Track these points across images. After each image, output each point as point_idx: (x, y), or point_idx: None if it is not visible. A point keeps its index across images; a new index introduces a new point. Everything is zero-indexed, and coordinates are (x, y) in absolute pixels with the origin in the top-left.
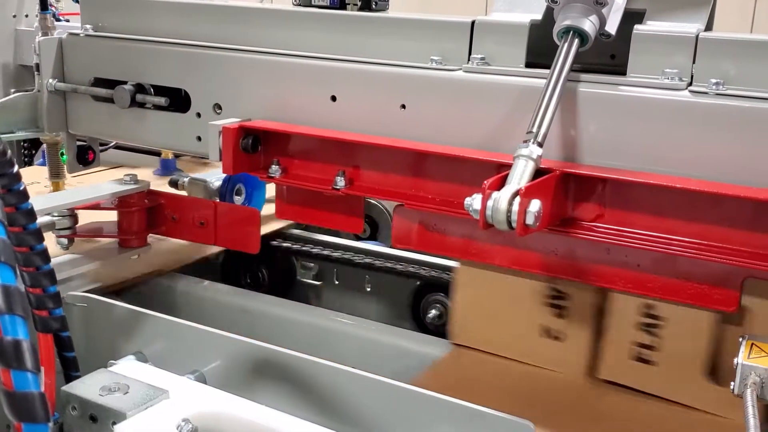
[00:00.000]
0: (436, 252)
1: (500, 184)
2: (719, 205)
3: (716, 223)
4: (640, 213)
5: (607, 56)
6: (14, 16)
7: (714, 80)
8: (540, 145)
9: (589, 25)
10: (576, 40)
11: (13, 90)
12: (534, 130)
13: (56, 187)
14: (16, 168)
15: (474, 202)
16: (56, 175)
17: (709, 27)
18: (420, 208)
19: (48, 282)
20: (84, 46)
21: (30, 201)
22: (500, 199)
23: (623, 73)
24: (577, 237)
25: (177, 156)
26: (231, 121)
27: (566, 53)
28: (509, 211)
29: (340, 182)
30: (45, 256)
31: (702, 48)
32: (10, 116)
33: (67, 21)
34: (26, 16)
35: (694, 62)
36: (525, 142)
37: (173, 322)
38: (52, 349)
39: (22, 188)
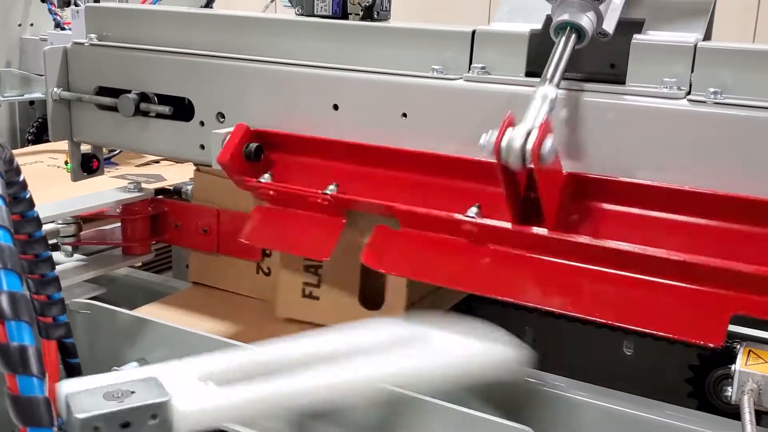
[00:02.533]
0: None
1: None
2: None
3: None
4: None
5: (607, 65)
6: (19, 25)
7: (712, 89)
8: (557, 86)
9: (586, 21)
10: (573, 36)
11: None
12: (548, 75)
13: None
14: (22, 176)
15: (490, 136)
16: None
17: (707, 36)
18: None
19: (53, 289)
20: (88, 55)
21: (36, 209)
22: (515, 134)
23: (623, 83)
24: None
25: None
26: (233, 129)
27: (563, 48)
28: (524, 147)
29: (332, 190)
30: (50, 263)
31: (700, 57)
32: None
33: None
34: (31, 24)
35: (692, 72)
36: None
37: (176, 329)
38: (56, 355)
39: (28, 196)
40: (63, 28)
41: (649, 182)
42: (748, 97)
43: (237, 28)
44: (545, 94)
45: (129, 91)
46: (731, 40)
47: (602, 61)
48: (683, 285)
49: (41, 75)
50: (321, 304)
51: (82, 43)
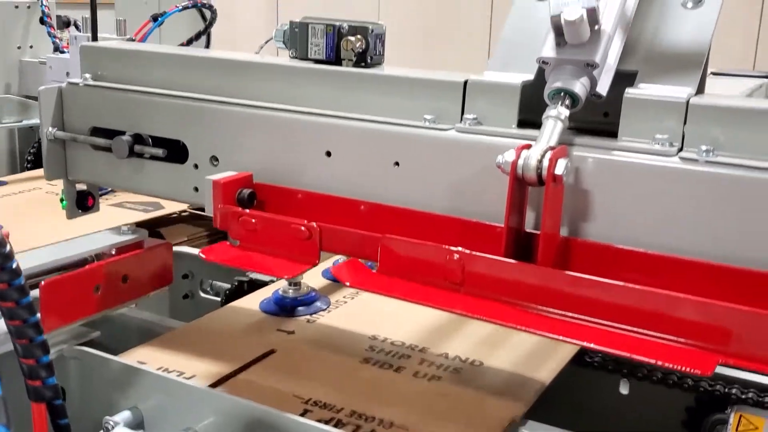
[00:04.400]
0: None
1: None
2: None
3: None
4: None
5: (600, 114)
6: (19, 48)
7: (704, 147)
8: (568, 107)
9: (579, 87)
10: (567, 102)
11: None
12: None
13: None
14: (8, 247)
15: (507, 155)
16: None
17: (700, 89)
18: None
19: (41, 352)
20: (83, 95)
21: (22, 277)
22: (531, 155)
23: (616, 132)
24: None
25: None
26: (225, 175)
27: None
28: (539, 167)
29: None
30: (37, 328)
31: (692, 114)
32: None
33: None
34: (31, 47)
35: (684, 127)
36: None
37: (167, 379)
38: (45, 417)
39: (14, 266)
40: (62, 52)
41: (630, 248)
42: (741, 155)
43: (230, 72)
44: (558, 114)
45: (123, 133)
46: (735, 44)
47: (595, 109)
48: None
49: None
50: None
51: (77, 83)
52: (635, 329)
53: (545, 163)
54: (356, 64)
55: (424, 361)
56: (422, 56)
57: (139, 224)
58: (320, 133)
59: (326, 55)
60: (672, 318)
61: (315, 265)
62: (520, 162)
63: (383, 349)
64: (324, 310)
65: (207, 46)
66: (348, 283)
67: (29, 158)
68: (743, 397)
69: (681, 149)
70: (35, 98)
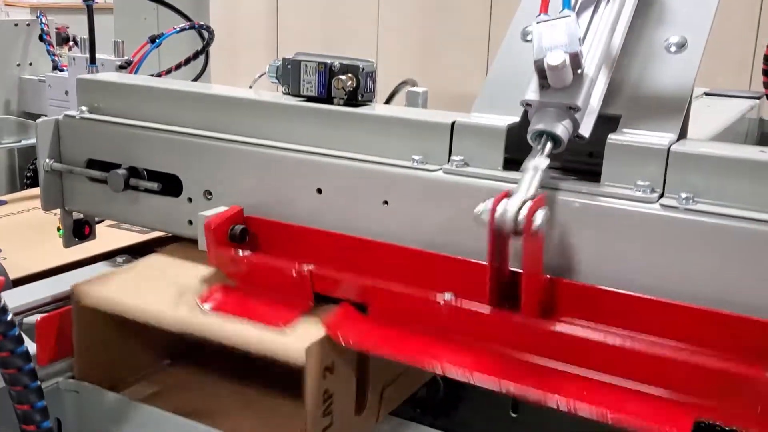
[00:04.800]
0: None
1: (509, 196)
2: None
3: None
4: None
5: (586, 154)
6: (18, 65)
7: (684, 194)
8: (549, 155)
9: (561, 129)
10: (549, 144)
11: None
12: (539, 147)
13: None
14: (2, 301)
15: (486, 205)
16: None
17: (682, 134)
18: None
19: (35, 398)
20: (79, 127)
21: (17, 328)
22: (509, 205)
23: (600, 173)
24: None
25: None
26: (218, 211)
27: (540, 155)
28: (517, 217)
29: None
30: (33, 374)
31: (673, 161)
32: None
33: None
34: (30, 64)
35: (665, 174)
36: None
37: (161, 415)
38: None
39: (9, 318)
40: (61, 70)
41: (611, 289)
42: (721, 203)
43: (223, 108)
44: (537, 165)
45: (119, 166)
46: (733, 45)
47: (581, 149)
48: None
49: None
50: None
51: (74, 116)
52: (615, 378)
53: (523, 214)
54: (347, 102)
55: None
56: (421, 63)
57: (136, 245)
58: (311, 170)
59: (318, 92)
60: (652, 367)
61: (309, 309)
62: (497, 216)
63: None
64: None
65: (205, 65)
66: (339, 340)
67: (28, 174)
68: None
69: (662, 195)
70: (34, 115)
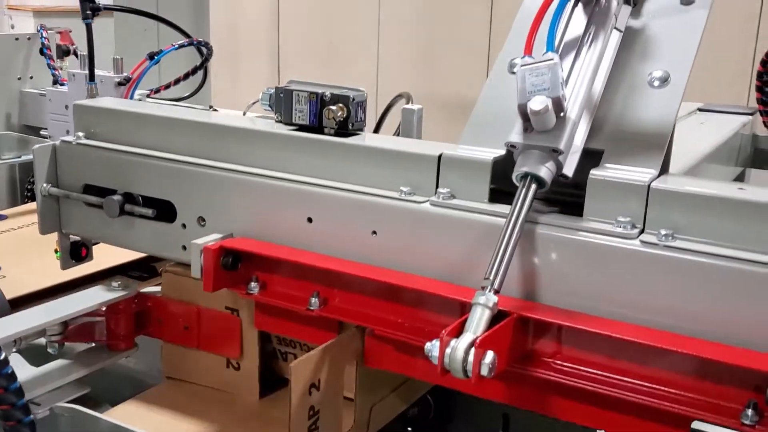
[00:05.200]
0: (406, 373)
1: (459, 331)
2: (667, 355)
3: (665, 369)
4: (595, 353)
5: (572, 185)
6: (19, 79)
7: (664, 231)
8: (496, 292)
9: (545, 171)
10: (533, 185)
11: None
12: (491, 277)
13: None
14: (2, 354)
15: (433, 348)
16: None
17: (664, 169)
18: (390, 335)
19: (15, 398)
20: (75, 153)
21: (18, 381)
22: (457, 348)
23: (581, 206)
24: (534, 374)
25: None
26: (212, 239)
27: (524, 197)
28: (465, 361)
29: (315, 303)
30: (11, 377)
31: (653, 197)
32: None
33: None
34: (31, 77)
35: (646, 211)
36: (483, 288)
37: None
38: None
39: (2, 356)
40: (62, 84)
41: (588, 328)
42: (700, 240)
43: (215, 136)
44: (485, 302)
45: (115, 191)
46: (731, 59)
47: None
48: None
49: (37, 136)
50: None
51: (70, 142)
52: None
53: (470, 359)
54: (338, 131)
55: None
56: (422, 67)
57: (132, 263)
58: (302, 199)
59: (309, 120)
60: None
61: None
62: (445, 360)
63: None
64: None
65: (204, 79)
66: None
67: (29, 187)
68: None
69: (643, 231)
70: (35, 128)
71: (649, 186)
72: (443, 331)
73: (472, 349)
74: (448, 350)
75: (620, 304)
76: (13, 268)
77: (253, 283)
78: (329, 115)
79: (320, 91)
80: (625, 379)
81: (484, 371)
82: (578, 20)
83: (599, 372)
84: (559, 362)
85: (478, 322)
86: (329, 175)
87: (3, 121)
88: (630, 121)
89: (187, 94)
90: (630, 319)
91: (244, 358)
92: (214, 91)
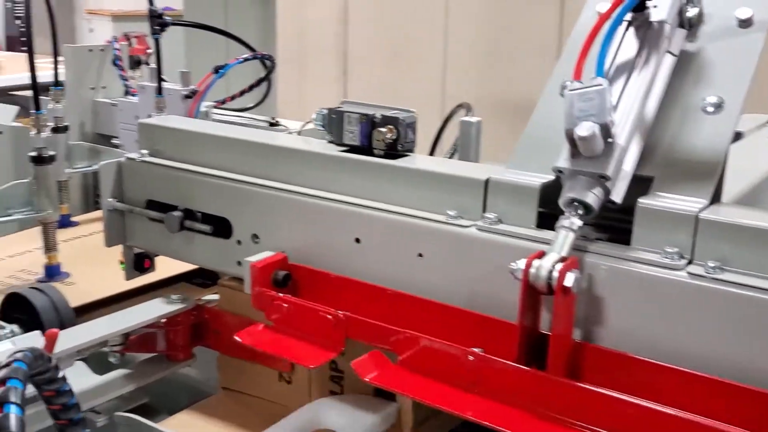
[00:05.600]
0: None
1: (542, 256)
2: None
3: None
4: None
5: (621, 210)
6: (92, 88)
7: (712, 263)
8: (580, 216)
9: (592, 198)
10: (581, 211)
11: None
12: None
13: (51, 259)
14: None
15: (519, 264)
16: (49, 249)
17: (716, 198)
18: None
19: (73, 414)
20: (139, 170)
21: (74, 397)
22: (542, 266)
23: (629, 233)
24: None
25: None
26: (263, 257)
27: (570, 223)
28: (549, 277)
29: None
30: (69, 393)
31: (702, 228)
32: (8, 201)
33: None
34: (104, 87)
35: (694, 241)
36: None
37: None
38: None
39: (67, 388)
40: (132, 95)
41: (639, 357)
42: (749, 273)
43: (269, 156)
44: (570, 225)
45: (175, 207)
46: None
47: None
48: None
49: (109, 145)
50: None
51: (135, 159)
52: None
53: (555, 274)
54: (387, 153)
55: None
56: (489, 70)
57: (192, 272)
58: (350, 220)
59: (360, 141)
60: None
61: (340, 353)
62: (532, 271)
63: None
64: None
65: (268, 90)
66: (366, 379)
67: (96, 199)
68: None
69: (691, 262)
70: (107, 137)
71: (697, 216)
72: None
73: (558, 264)
74: (532, 270)
75: (666, 336)
76: (82, 275)
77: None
78: (378, 137)
79: (370, 113)
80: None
81: (569, 281)
82: (630, 44)
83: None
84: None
85: (562, 243)
86: (377, 197)
87: (77, 129)
88: (681, 148)
89: (251, 105)
90: (675, 352)
91: (295, 372)
92: (281, 96)
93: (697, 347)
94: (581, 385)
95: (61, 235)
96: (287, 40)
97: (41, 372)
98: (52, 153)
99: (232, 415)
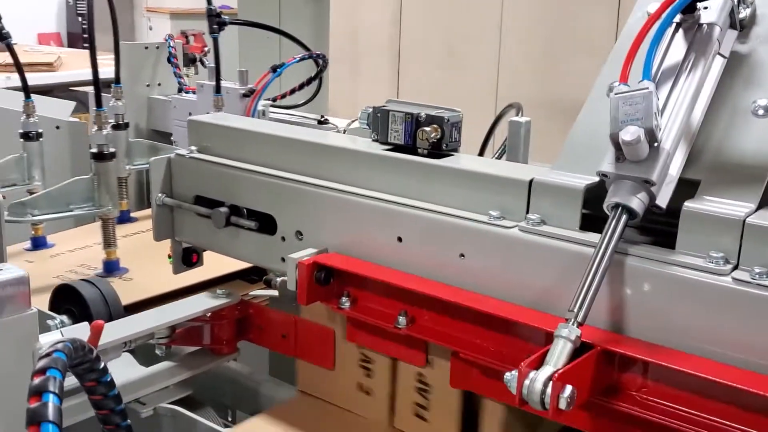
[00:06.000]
0: (490, 395)
1: (540, 362)
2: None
3: (754, 411)
4: (681, 390)
5: (666, 214)
6: (147, 85)
7: (758, 269)
8: (580, 324)
9: (637, 203)
10: (624, 216)
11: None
12: (575, 310)
13: (110, 255)
14: (102, 363)
15: (512, 379)
16: (108, 245)
17: (763, 203)
18: (474, 358)
19: (114, 404)
20: (188, 166)
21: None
22: (536, 380)
23: (675, 236)
24: (617, 407)
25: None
26: (306, 254)
27: (614, 228)
28: (543, 393)
29: (402, 321)
30: (110, 384)
31: (748, 233)
32: (69, 196)
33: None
34: (159, 84)
35: (740, 247)
36: (566, 320)
37: None
38: None
39: (109, 379)
40: (186, 92)
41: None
42: None
43: (313, 153)
44: (568, 334)
45: (222, 203)
46: None
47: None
48: None
49: (167, 143)
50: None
51: (184, 155)
52: None
53: (548, 393)
54: (431, 152)
55: None
56: (543, 69)
57: (242, 271)
58: (392, 218)
59: (404, 140)
60: None
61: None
62: (524, 390)
63: None
64: None
65: (318, 88)
66: None
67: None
68: None
69: (736, 267)
70: (162, 133)
71: (744, 221)
72: (522, 363)
73: (551, 382)
74: (526, 382)
75: (709, 341)
76: (139, 270)
77: (344, 297)
78: (423, 136)
79: (415, 112)
80: (713, 418)
81: (563, 405)
82: (678, 46)
83: (685, 408)
84: (644, 396)
85: (559, 354)
86: (420, 196)
87: (133, 125)
88: (730, 152)
89: (303, 102)
90: (719, 357)
91: (375, 382)
92: (333, 95)
93: (741, 354)
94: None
95: (120, 230)
96: (340, 40)
97: (82, 362)
98: (112, 150)
99: (306, 419)
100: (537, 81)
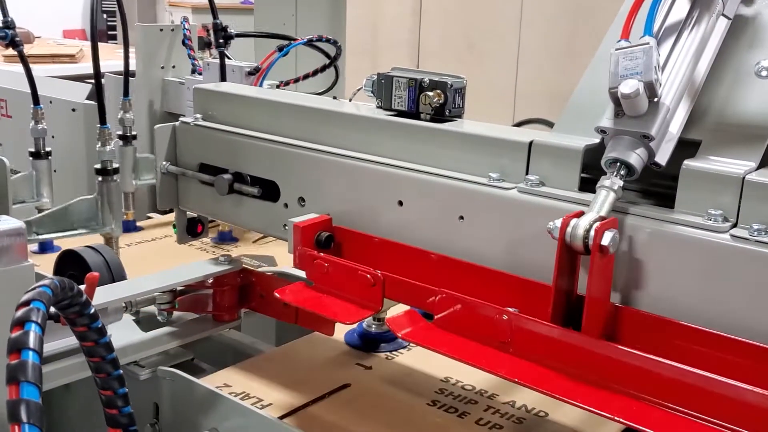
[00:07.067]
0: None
1: (580, 215)
2: None
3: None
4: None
5: (668, 177)
6: (162, 68)
7: (756, 226)
8: (623, 177)
9: (635, 158)
10: (622, 172)
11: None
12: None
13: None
14: (84, 297)
15: (554, 229)
16: None
17: (765, 163)
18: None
19: (117, 385)
20: (193, 134)
21: (99, 320)
22: (579, 225)
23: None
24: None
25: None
26: (307, 218)
27: (611, 182)
28: (586, 236)
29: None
30: (120, 380)
31: (748, 190)
32: (73, 216)
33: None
34: (173, 67)
35: (740, 204)
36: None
37: (242, 406)
38: None
39: (92, 311)
40: (200, 74)
41: (678, 321)
42: None
43: (316, 119)
44: (610, 185)
45: (226, 171)
46: None
47: (665, 171)
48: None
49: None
50: None
51: (189, 123)
52: (676, 407)
53: (592, 233)
54: (434, 117)
55: (489, 408)
56: (563, 63)
57: None
58: (393, 182)
59: (408, 107)
60: (712, 400)
61: (377, 311)
62: (568, 230)
63: (452, 392)
64: (404, 347)
65: (336, 77)
66: (400, 335)
67: None
68: None
69: (735, 225)
70: (175, 115)
71: (743, 178)
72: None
73: (595, 224)
74: (569, 228)
75: (707, 298)
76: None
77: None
78: (425, 101)
79: (419, 77)
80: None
81: (606, 240)
82: (682, 5)
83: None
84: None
85: (602, 203)
86: (422, 160)
87: (146, 107)
88: (732, 112)
89: (319, 91)
90: (717, 314)
91: None
92: (351, 88)
93: (739, 311)
94: (615, 346)
95: (125, 239)
96: (358, 33)
97: (71, 305)
98: (116, 166)
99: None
100: (557, 76)
